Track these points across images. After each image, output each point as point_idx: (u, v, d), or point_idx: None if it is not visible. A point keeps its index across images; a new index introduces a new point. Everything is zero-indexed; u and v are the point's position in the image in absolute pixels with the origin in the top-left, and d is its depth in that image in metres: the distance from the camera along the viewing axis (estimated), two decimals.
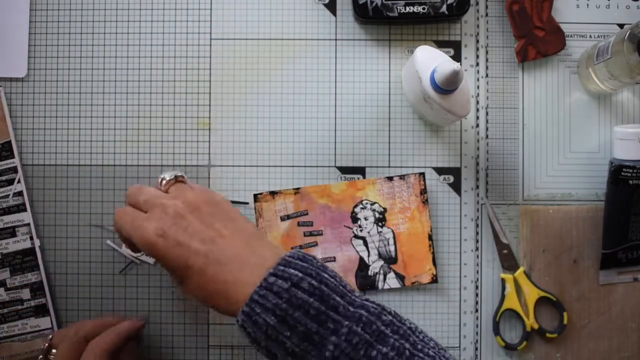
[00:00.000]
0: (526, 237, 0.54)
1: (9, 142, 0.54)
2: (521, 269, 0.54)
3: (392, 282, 0.54)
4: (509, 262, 0.54)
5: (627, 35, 0.47)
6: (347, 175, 0.55)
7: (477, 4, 0.56)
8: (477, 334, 0.55)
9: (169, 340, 0.54)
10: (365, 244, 0.54)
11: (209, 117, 0.55)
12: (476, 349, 0.55)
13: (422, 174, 0.54)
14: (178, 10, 0.56)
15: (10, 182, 0.54)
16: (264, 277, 0.39)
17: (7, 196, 0.54)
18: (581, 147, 0.55)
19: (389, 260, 0.54)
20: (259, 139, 0.55)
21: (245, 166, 0.55)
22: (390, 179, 0.54)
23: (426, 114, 0.53)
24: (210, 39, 0.56)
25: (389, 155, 0.55)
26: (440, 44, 0.56)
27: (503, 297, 0.54)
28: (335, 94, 0.55)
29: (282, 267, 0.39)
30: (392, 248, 0.54)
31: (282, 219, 0.54)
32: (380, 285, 0.54)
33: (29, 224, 0.54)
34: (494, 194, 0.55)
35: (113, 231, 0.54)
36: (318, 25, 0.56)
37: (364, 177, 0.55)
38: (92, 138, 0.55)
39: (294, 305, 0.38)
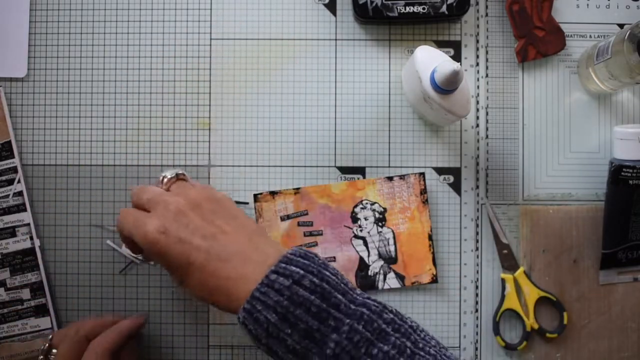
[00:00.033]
0: (526, 237, 0.54)
1: (9, 142, 0.54)
2: (521, 269, 0.54)
3: (392, 282, 0.54)
4: (509, 262, 0.54)
5: (627, 35, 0.47)
6: (347, 175, 0.55)
7: (477, 4, 0.56)
8: (477, 334, 0.55)
9: (169, 340, 0.54)
10: (365, 244, 0.54)
11: (209, 117, 0.55)
12: (476, 349, 0.55)
13: (422, 174, 0.54)
14: (178, 10, 0.56)
15: (10, 182, 0.54)
16: (265, 275, 0.39)
17: (7, 196, 0.54)
18: (581, 147, 0.55)
19: (389, 260, 0.54)
20: (259, 139, 0.55)
21: (245, 166, 0.55)
22: (390, 179, 0.54)
23: (426, 114, 0.53)
24: (210, 39, 0.56)
25: (389, 155, 0.55)
26: (440, 44, 0.56)
27: (503, 297, 0.54)
28: (335, 94, 0.55)
29: (283, 265, 0.39)
30: (392, 248, 0.54)
31: (282, 219, 0.54)
32: (380, 285, 0.54)
33: (29, 224, 0.54)
34: (494, 194, 0.55)
35: (113, 231, 0.54)
36: (318, 25, 0.56)
37: (364, 177, 0.55)
38: (92, 138, 0.55)
39: (295, 303, 0.38)
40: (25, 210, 0.54)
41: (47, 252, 0.54)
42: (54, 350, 0.46)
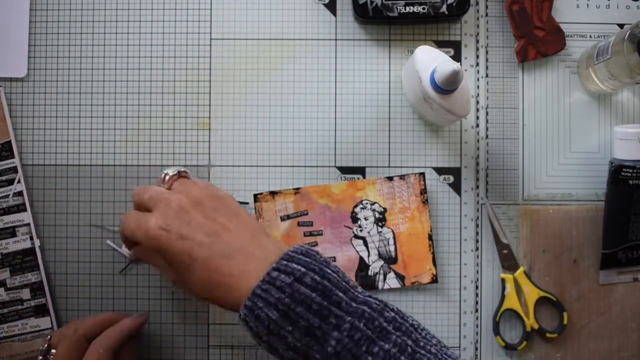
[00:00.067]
0: (526, 237, 0.54)
1: (9, 142, 0.54)
2: (521, 269, 0.54)
3: (392, 282, 0.54)
4: (509, 262, 0.54)
5: (627, 35, 0.47)
6: (347, 175, 0.55)
7: (477, 4, 0.56)
8: (477, 334, 0.55)
9: (169, 340, 0.54)
10: (365, 244, 0.54)
11: (209, 117, 0.55)
12: (476, 349, 0.55)
13: (422, 174, 0.54)
14: (178, 10, 0.56)
15: (10, 182, 0.54)
16: (266, 272, 0.39)
17: (7, 196, 0.54)
18: (581, 147, 0.55)
19: (389, 260, 0.54)
20: (259, 139, 0.55)
21: (245, 166, 0.55)
22: (390, 179, 0.54)
23: (426, 114, 0.53)
24: (210, 39, 0.56)
25: (389, 155, 0.55)
26: (440, 44, 0.56)
27: (503, 297, 0.54)
28: (335, 94, 0.55)
29: (285, 262, 0.39)
30: (392, 248, 0.54)
31: (282, 219, 0.54)
32: (380, 285, 0.54)
33: (29, 224, 0.54)
34: (494, 194, 0.55)
35: (113, 231, 0.54)
36: (318, 25, 0.56)
37: (364, 177, 0.55)
38: (92, 138, 0.55)
39: (297, 300, 0.38)
40: (25, 210, 0.54)
41: (47, 252, 0.54)
42: (53, 351, 0.46)
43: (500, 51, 0.56)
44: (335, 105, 0.55)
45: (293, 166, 0.55)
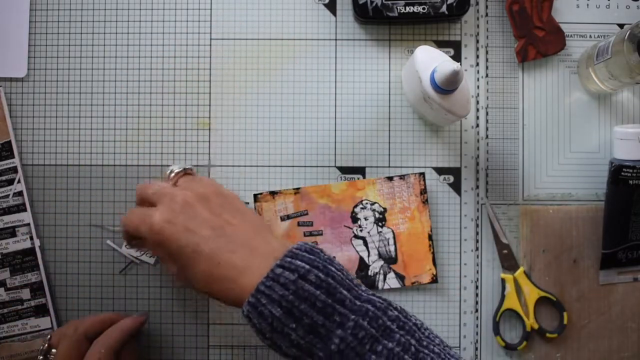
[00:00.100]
0: (526, 237, 0.54)
1: (9, 142, 0.54)
2: (521, 269, 0.54)
3: (392, 282, 0.54)
4: (509, 262, 0.54)
5: (627, 35, 0.47)
6: (347, 175, 0.55)
7: (477, 4, 0.56)
8: (477, 334, 0.55)
9: (169, 340, 0.54)
10: (365, 244, 0.54)
11: (209, 117, 0.55)
12: (476, 349, 0.55)
13: (422, 174, 0.54)
14: (178, 10, 0.56)
15: (10, 182, 0.54)
16: (270, 268, 0.39)
17: (7, 196, 0.54)
18: (581, 147, 0.55)
19: (389, 260, 0.54)
20: (259, 139, 0.55)
21: (245, 166, 0.55)
22: (390, 179, 0.54)
23: (426, 114, 0.53)
24: (210, 39, 0.56)
25: (389, 155, 0.55)
26: (440, 44, 0.56)
27: (503, 297, 0.54)
28: (335, 94, 0.55)
29: (289, 259, 0.39)
30: (392, 248, 0.54)
31: (282, 219, 0.54)
32: (380, 285, 0.54)
33: (29, 224, 0.54)
34: (494, 194, 0.55)
35: (113, 231, 0.54)
36: (318, 25, 0.56)
37: (364, 177, 0.55)
38: (92, 138, 0.55)
39: (301, 297, 0.37)
40: (25, 210, 0.54)
41: (47, 252, 0.54)
42: (53, 350, 0.46)
43: (500, 51, 0.56)
44: (335, 105, 0.55)
45: (293, 166, 0.55)
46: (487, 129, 0.56)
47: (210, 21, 0.56)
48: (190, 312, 0.54)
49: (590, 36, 0.56)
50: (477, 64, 0.56)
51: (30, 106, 0.55)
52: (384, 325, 0.38)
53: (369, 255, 0.54)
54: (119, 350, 0.47)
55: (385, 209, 0.54)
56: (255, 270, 0.39)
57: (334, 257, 0.54)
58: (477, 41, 0.56)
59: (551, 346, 0.54)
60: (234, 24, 0.56)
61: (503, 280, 0.54)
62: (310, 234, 0.54)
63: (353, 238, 0.54)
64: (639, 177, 0.51)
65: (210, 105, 0.55)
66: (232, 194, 0.46)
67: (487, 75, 0.56)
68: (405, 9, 0.53)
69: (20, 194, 0.54)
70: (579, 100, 0.56)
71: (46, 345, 0.46)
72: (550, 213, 0.55)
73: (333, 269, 0.39)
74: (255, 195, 0.54)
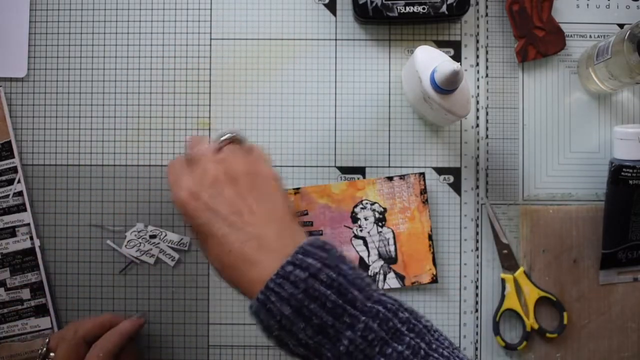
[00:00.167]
0: (526, 237, 0.54)
1: (9, 142, 0.54)
2: (521, 269, 0.54)
3: (392, 282, 0.54)
4: (509, 262, 0.54)
5: (627, 35, 0.47)
6: (347, 175, 0.55)
7: (477, 4, 0.56)
8: (477, 334, 0.55)
9: (169, 340, 0.54)
10: (365, 244, 0.54)
11: (209, 117, 0.55)
12: (476, 349, 0.55)
13: (422, 174, 0.54)
14: (178, 10, 0.56)
15: (10, 182, 0.54)
16: (281, 265, 0.38)
17: (7, 196, 0.54)
18: (581, 147, 0.55)
19: (389, 260, 0.54)
20: (259, 139, 0.55)
21: None
22: (390, 179, 0.54)
23: (426, 114, 0.53)
24: (210, 39, 0.56)
25: (389, 155, 0.55)
26: (440, 44, 0.56)
27: (503, 297, 0.54)
28: (335, 94, 0.55)
29: (300, 256, 0.38)
30: (392, 248, 0.54)
31: None
32: (380, 285, 0.54)
33: (29, 224, 0.54)
34: (494, 194, 0.55)
35: (113, 231, 0.54)
36: (318, 25, 0.56)
37: (364, 177, 0.55)
38: (92, 138, 0.55)
39: (311, 297, 0.37)
40: (25, 210, 0.54)
41: (47, 252, 0.54)
42: (52, 354, 0.46)
43: (500, 51, 0.56)
44: (335, 105, 0.55)
45: (293, 166, 0.55)
46: (487, 129, 0.56)
47: (210, 21, 0.56)
48: (190, 312, 0.54)
49: (590, 36, 0.56)
50: (477, 64, 0.56)
51: (30, 106, 0.55)
52: (394, 328, 0.37)
53: (369, 255, 0.54)
54: (118, 353, 0.47)
55: (385, 209, 0.54)
56: (265, 266, 0.39)
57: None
58: (477, 41, 0.56)
59: (551, 346, 0.54)
60: (234, 24, 0.56)
61: (503, 280, 0.54)
62: (310, 234, 0.54)
63: (353, 238, 0.54)
64: (639, 177, 0.51)
65: (210, 105, 0.55)
66: (268, 174, 0.45)
67: (487, 75, 0.56)
68: (405, 9, 0.53)
69: (20, 194, 0.54)
70: (579, 100, 0.56)
71: (45, 348, 0.46)
72: (550, 213, 0.55)
73: (345, 267, 0.39)
74: None
